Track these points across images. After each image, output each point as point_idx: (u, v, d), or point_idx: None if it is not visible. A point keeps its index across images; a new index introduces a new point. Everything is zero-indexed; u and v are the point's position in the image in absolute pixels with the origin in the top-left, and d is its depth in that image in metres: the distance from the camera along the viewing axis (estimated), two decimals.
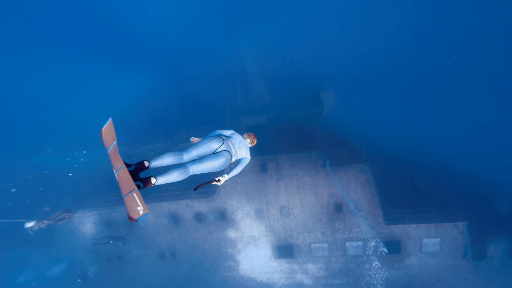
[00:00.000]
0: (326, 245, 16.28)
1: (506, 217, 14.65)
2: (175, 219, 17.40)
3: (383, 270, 15.31)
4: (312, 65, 21.12)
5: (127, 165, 2.70)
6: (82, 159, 22.43)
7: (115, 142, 2.63)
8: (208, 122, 19.82)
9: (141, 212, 2.46)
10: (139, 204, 2.45)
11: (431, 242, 14.99)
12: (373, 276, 15.51)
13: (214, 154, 3.30)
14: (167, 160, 3.08)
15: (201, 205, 16.93)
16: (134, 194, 2.44)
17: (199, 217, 17.19)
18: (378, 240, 15.14)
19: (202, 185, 3.35)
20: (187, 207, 17.05)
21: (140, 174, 2.86)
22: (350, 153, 15.29)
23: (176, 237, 17.67)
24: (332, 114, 19.25)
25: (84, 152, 21.80)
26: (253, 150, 4.11)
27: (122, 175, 2.56)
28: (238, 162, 3.71)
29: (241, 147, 3.66)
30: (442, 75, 18.05)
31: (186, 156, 3.19)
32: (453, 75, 17.87)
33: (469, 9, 18.51)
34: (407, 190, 15.68)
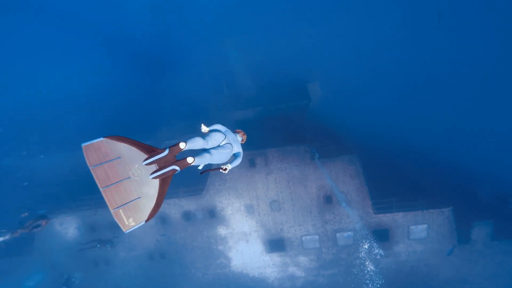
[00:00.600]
0: (317, 237, 16.32)
1: (489, 202, 15.15)
2: (162, 219, 16.87)
3: (378, 274, 15.54)
4: (298, 57, 20.79)
5: (160, 151, 2.99)
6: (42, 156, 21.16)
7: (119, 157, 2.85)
8: (192, 118, 19.18)
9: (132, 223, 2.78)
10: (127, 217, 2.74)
11: (418, 228, 15.32)
12: (365, 264, 15.75)
13: (221, 146, 3.62)
14: (198, 143, 3.40)
15: (189, 204, 16.48)
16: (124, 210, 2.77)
17: (187, 216, 16.74)
18: (373, 241, 15.31)
19: (209, 170, 3.55)
20: (175, 206, 16.55)
21: (176, 157, 3.18)
22: (338, 145, 15.25)
23: (164, 237, 17.16)
24: (320, 106, 19.11)
25: (42, 156, 20.61)
26: (241, 145, 4.22)
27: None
28: (234, 156, 3.88)
29: (235, 143, 3.89)
30: (428, 65, 18.25)
31: (207, 144, 3.53)
32: (438, 64, 18.11)
33: None
34: (394, 180, 15.89)
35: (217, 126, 3.89)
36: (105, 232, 17.43)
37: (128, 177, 2.81)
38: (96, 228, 17.44)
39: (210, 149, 3.50)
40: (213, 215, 16.59)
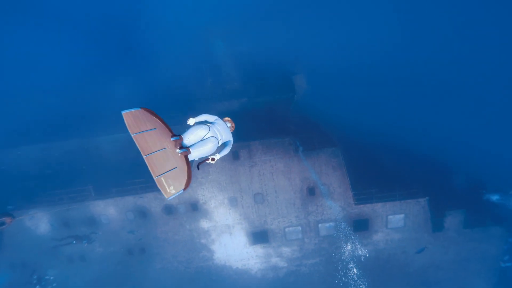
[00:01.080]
0: (299, 228, 16.51)
1: (463, 192, 15.96)
2: (142, 213, 16.31)
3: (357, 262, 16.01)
4: (284, 49, 20.47)
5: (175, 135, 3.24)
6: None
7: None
8: (174, 110, 18.48)
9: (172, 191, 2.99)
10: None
11: (396, 218, 15.90)
12: (345, 254, 16.20)
13: (203, 141, 3.58)
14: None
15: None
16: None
17: (169, 210, 16.30)
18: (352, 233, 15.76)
19: (200, 163, 3.67)
20: (155, 200, 16.03)
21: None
22: (322, 138, 15.32)
23: (144, 232, 16.65)
24: (304, 99, 19.04)
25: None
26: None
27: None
28: (224, 144, 3.92)
29: (225, 132, 3.91)
30: (411, 60, 18.62)
31: (186, 140, 3.53)
32: (422, 60, 18.53)
33: None
34: (375, 172, 16.29)
35: (204, 117, 3.86)
36: (81, 227, 16.62)
37: (164, 148, 3.00)
38: (70, 224, 16.58)
39: (189, 146, 3.49)
40: (195, 208, 16.26)
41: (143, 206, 16.16)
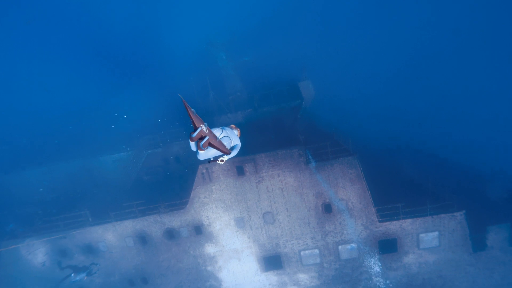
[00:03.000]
0: (317, 251, 14.57)
1: (504, 203, 13.71)
2: (142, 239, 14.92)
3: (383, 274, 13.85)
4: (288, 55, 19.45)
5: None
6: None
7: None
8: (175, 124, 17.52)
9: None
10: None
11: (429, 236, 13.74)
12: (372, 280, 14.03)
13: (220, 139, 4.01)
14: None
15: (172, 220, 14.61)
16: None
17: (170, 234, 14.85)
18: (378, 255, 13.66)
19: (212, 161, 3.99)
20: (156, 224, 14.66)
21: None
22: (336, 147, 13.72)
23: (145, 259, 15.19)
24: (313, 106, 17.68)
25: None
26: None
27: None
28: (232, 148, 4.18)
29: (234, 135, 4.29)
30: (429, 62, 17.05)
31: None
32: (441, 60, 16.93)
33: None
34: (399, 183, 14.39)
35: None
36: (79, 256, 15.37)
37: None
38: (67, 253, 15.37)
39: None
40: (199, 231, 14.73)
41: (142, 230, 14.80)
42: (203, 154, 3.79)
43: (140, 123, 20.53)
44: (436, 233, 13.64)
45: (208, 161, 4.01)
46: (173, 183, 17.33)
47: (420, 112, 16.01)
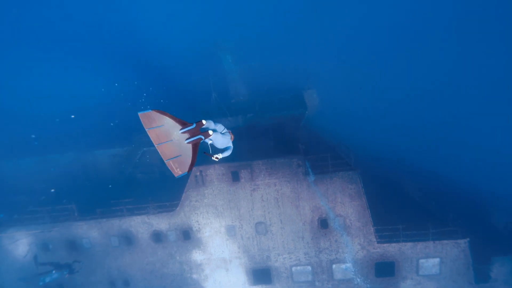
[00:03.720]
0: (309, 267, 13.80)
1: (511, 234, 12.90)
2: (128, 239, 14.29)
3: None
4: (294, 62, 19.09)
5: (189, 124, 3.76)
6: None
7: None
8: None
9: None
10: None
11: (429, 263, 12.93)
12: None
13: (224, 133, 4.40)
14: (211, 124, 4.22)
15: (160, 222, 13.99)
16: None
17: (157, 237, 14.20)
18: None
19: (208, 154, 4.23)
20: (143, 224, 14.04)
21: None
22: (337, 160, 13.11)
23: (129, 261, 14.52)
24: (316, 116, 17.16)
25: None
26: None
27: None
28: (225, 149, 4.43)
29: (227, 137, 4.51)
30: (437, 73, 16.52)
31: (217, 127, 4.32)
32: (448, 74, 16.40)
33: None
34: (401, 203, 13.67)
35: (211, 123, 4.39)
36: (61, 251, 14.76)
37: (171, 140, 3.68)
38: (50, 247, 14.77)
39: (219, 132, 4.26)
40: (187, 236, 14.07)
41: (129, 230, 14.19)
42: (216, 140, 4.14)
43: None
44: (437, 259, 12.84)
45: (204, 152, 4.24)
46: (167, 184, 16.79)
47: (429, 133, 15.38)
